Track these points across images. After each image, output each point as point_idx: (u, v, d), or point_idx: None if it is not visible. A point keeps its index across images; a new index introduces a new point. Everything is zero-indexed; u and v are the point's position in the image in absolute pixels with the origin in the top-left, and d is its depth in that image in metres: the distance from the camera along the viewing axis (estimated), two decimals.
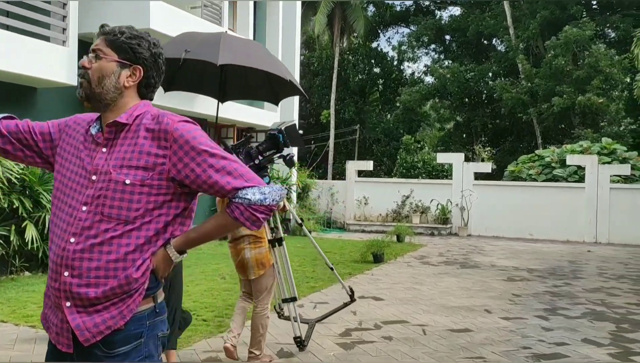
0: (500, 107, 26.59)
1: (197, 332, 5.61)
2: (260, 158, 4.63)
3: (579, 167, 16.45)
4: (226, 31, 8.96)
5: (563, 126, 25.98)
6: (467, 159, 18.30)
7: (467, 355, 5.26)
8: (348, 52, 31.67)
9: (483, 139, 30.60)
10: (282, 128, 4.76)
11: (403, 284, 8.70)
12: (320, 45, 34.13)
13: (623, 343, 5.80)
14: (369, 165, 17.84)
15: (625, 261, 12.05)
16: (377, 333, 5.93)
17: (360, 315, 6.65)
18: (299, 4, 16.53)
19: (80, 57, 8.39)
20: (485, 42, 29.99)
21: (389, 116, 31.69)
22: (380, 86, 34.04)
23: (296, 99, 15.42)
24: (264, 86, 6.04)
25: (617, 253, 13.38)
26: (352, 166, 17.89)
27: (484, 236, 16.37)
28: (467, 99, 29.89)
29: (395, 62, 31.96)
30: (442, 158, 17.74)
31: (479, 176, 17.60)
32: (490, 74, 26.25)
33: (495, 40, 29.42)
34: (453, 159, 17.15)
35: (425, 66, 29.60)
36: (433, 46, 29.76)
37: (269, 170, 4.92)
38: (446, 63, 29.17)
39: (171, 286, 3.86)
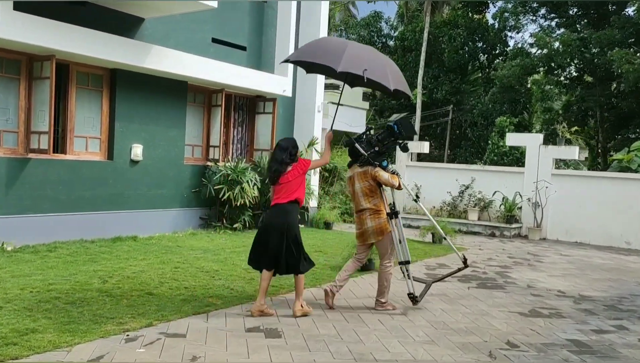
0: (621, 83, 21.62)
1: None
2: (380, 145, 5.82)
3: None
4: None
5: None
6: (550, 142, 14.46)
7: None
8: (448, 25, 27.88)
9: (606, 124, 25.46)
10: (397, 120, 5.90)
11: (353, 311, 5.96)
12: (417, 18, 30.70)
13: None
14: (423, 147, 14.67)
15: None
16: None
17: None
18: None
19: None
20: (611, 7, 24.68)
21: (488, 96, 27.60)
22: (485, 62, 29.88)
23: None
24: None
25: None
26: (397, 148, 14.81)
27: (562, 242, 12.66)
28: (585, 75, 24.98)
29: (501, 35, 27.63)
30: (513, 139, 14.06)
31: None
32: (610, 43, 21.28)
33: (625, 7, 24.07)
34: (527, 141, 13.49)
35: (531, 34, 24.96)
36: (543, 11, 25.05)
37: (386, 155, 5.99)
38: (557, 32, 24.44)
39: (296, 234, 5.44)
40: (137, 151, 9.50)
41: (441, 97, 27.52)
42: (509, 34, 27.00)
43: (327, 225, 12.23)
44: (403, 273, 6.26)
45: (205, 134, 11.04)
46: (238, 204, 10.41)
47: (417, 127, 26.78)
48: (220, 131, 10.85)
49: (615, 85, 23.98)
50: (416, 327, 5.50)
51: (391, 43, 30.87)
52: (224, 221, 10.72)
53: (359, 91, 25.78)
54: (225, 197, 10.35)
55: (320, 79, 12.83)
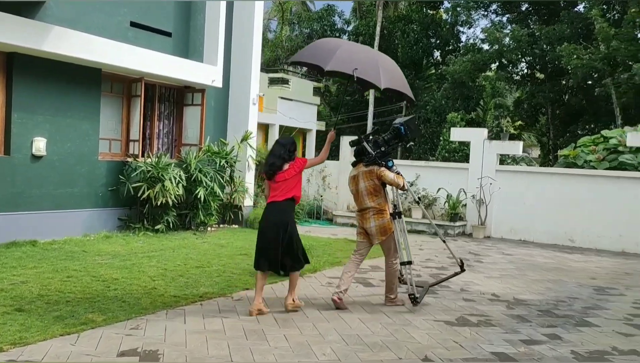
0: (570, 80, 21.56)
1: None
2: (386, 146, 6.07)
3: None
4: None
5: None
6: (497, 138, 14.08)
7: None
8: (402, 21, 27.41)
9: (556, 120, 25.50)
10: (404, 122, 6.13)
11: (258, 324, 5.25)
12: (370, 12, 30.20)
13: None
14: None
15: None
16: None
17: None
18: None
19: None
20: (562, 3, 24.64)
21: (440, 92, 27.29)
22: (439, 58, 29.57)
23: (255, 60, 12.04)
24: None
25: None
26: (347, 143, 14.20)
27: (506, 240, 12.25)
28: (535, 72, 24.94)
29: (454, 30, 27.34)
30: (457, 134, 13.62)
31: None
32: (559, 39, 21.16)
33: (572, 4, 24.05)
34: (471, 136, 13.05)
35: (482, 30, 24.78)
36: (494, 7, 24.86)
37: (392, 155, 6.17)
38: (509, 28, 24.26)
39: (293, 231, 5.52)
40: (40, 145, 8.54)
41: None
42: (461, 29, 26.74)
43: None
44: (400, 277, 6.34)
45: (124, 127, 10.14)
46: (159, 203, 9.57)
47: (369, 125, 26.34)
48: (140, 123, 9.96)
49: (564, 82, 24.00)
50: (325, 342, 4.82)
51: (345, 38, 30.28)
52: (145, 222, 9.86)
53: (310, 85, 25.11)
54: (145, 196, 9.51)
55: (255, 70, 12.05)
